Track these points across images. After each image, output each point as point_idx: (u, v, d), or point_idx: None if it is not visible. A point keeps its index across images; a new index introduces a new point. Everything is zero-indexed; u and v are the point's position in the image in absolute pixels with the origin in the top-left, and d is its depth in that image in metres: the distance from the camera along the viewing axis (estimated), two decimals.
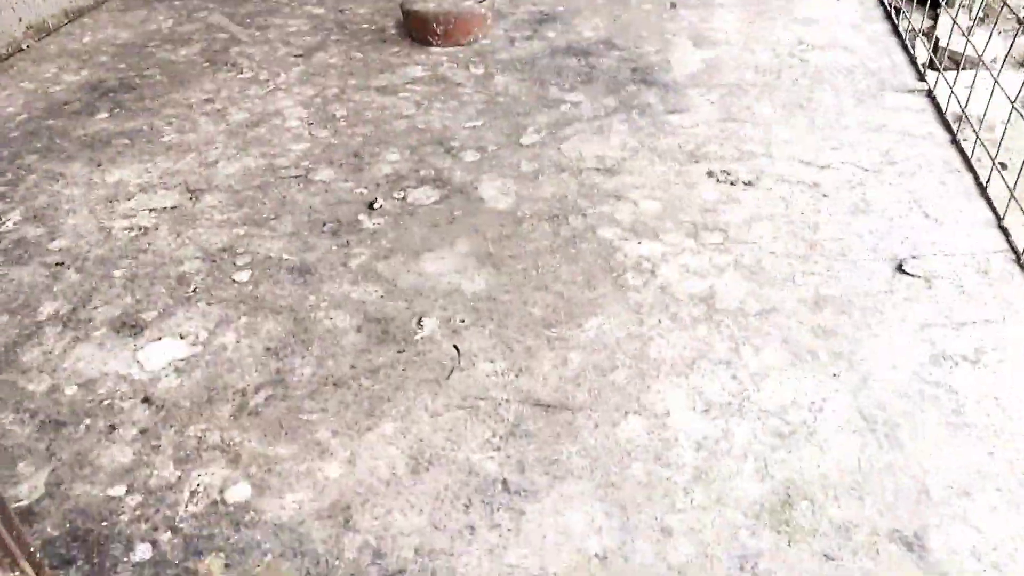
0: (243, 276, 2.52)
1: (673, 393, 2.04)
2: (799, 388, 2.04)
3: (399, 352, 2.20)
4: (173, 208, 2.87)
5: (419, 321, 2.32)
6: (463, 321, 2.31)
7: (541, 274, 2.49)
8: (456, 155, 3.14)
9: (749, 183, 2.90)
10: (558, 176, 2.99)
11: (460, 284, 2.45)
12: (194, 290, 2.47)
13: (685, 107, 3.41)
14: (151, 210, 2.86)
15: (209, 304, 2.41)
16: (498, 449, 1.90)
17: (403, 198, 2.89)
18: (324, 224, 2.75)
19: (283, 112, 3.50)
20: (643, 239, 2.63)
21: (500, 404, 2.02)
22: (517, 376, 2.11)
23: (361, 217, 2.79)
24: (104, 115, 3.51)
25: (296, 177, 3.03)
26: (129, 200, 2.92)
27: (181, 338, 2.29)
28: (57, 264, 2.60)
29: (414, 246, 2.63)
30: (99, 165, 3.14)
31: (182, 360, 2.21)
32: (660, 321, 2.28)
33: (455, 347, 2.21)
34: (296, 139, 3.29)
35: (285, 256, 2.60)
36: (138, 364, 2.20)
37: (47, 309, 2.42)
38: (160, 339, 2.29)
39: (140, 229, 2.76)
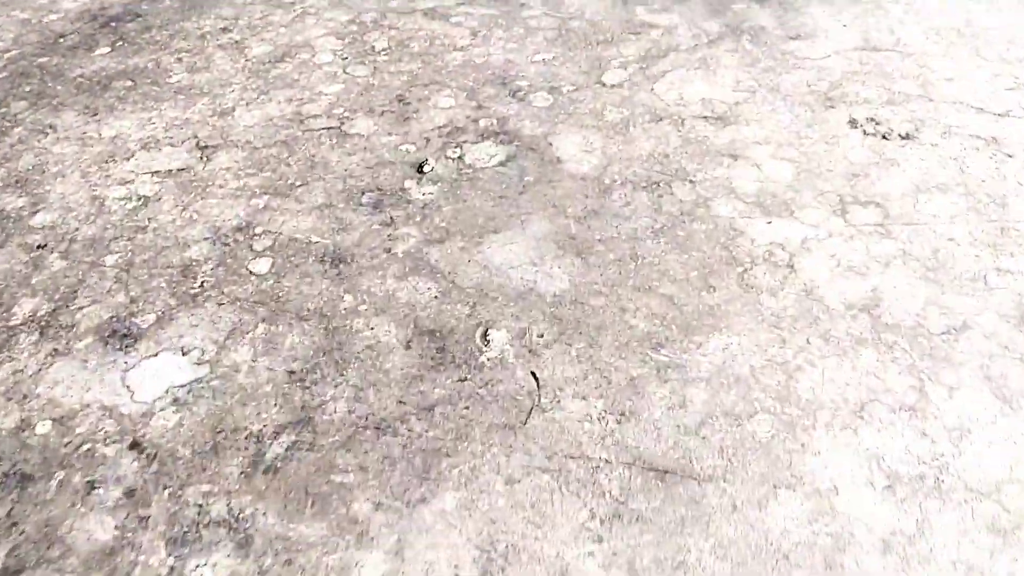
0: (262, 266, 1.99)
1: (839, 457, 1.47)
2: (1019, 454, 1.45)
3: (460, 381, 1.67)
4: (180, 171, 2.34)
5: (485, 334, 1.77)
6: (542, 336, 1.76)
7: (641, 267, 1.90)
8: (524, 99, 2.51)
9: (907, 136, 2.22)
10: (654, 127, 2.36)
11: (536, 281, 1.89)
12: (201, 285, 1.96)
13: (810, 31, 2.70)
14: (153, 173, 2.33)
15: (220, 304, 1.90)
16: (599, 540, 1.38)
17: (459, 158, 2.30)
18: (362, 194, 2.20)
19: (312, 44, 2.89)
20: (773, 217, 2.01)
21: (598, 467, 1.49)
22: (619, 422, 1.57)
23: (408, 184, 2.22)
24: (105, 50, 2.96)
25: (328, 129, 2.45)
26: (128, 160, 2.39)
27: (183, 354, 1.80)
28: (39, 247, 2.11)
29: (476, 225, 2.06)
30: (95, 115, 2.60)
31: (183, 387, 1.71)
32: (808, 341, 1.70)
33: (533, 375, 1.67)
34: (328, 79, 2.69)
35: (314, 238, 2.06)
36: (128, 391, 1.72)
37: (24, 308, 1.94)
38: (157, 355, 1.80)
39: (139, 199, 2.24)
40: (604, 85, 2.55)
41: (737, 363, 1.66)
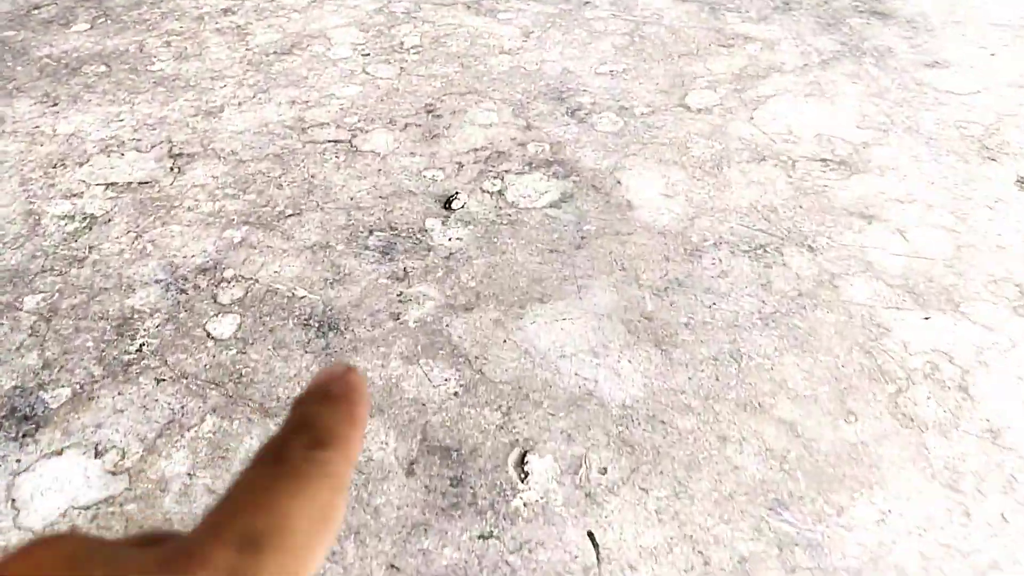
0: (225, 327, 1.47)
1: None
2: None
3: (482, 538, 1.13)
4: (142, 185, 1.82)
5: (522, 460, 1.23)
6: (605, 472, 1.21)
7: (747, 372, 1.35)
8: (584, 119, 1.98)
9: None
10: (756, 169, 1.81)
11: (597, 381, 1.35)
12: (140, 349, 1.43)
13: (949, 58, 2.13)
14: (109, 186, 1.82)
15: (159, 381, 1.38)
16: None
17: (500, 192, 1.77)
18: (370, 233, 1.67)
19: (328, 34, 2.38)
20: (931, 310, 1.45)
21: None
22: None
23: (431, 224, 1.69)
24: (83, 26, 2.46)
25: (335, 143, 1.93)
26: (81, 166, 1.89)
27: (96, 454, 1.27)
28: None
29: (516, 289, 1.52)
30: (54, 105, 2.10)
31: (86, 509, 1.19)
32: (1004, 517, 1.13)
33: (591, 537, 1.13)
34: (344, 78, 2.17)
35: (300, 291, 1.53)
36: (11, 506, 1.20)
37: None
38: (62, 452, 1.28)
39: (84, 220, 1.73)
40: (688, 109, 2.00)
41: (900, 548, 1.10)
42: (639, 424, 1.28)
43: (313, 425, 0.21)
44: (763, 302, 1.49)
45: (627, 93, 2.06)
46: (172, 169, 1.87)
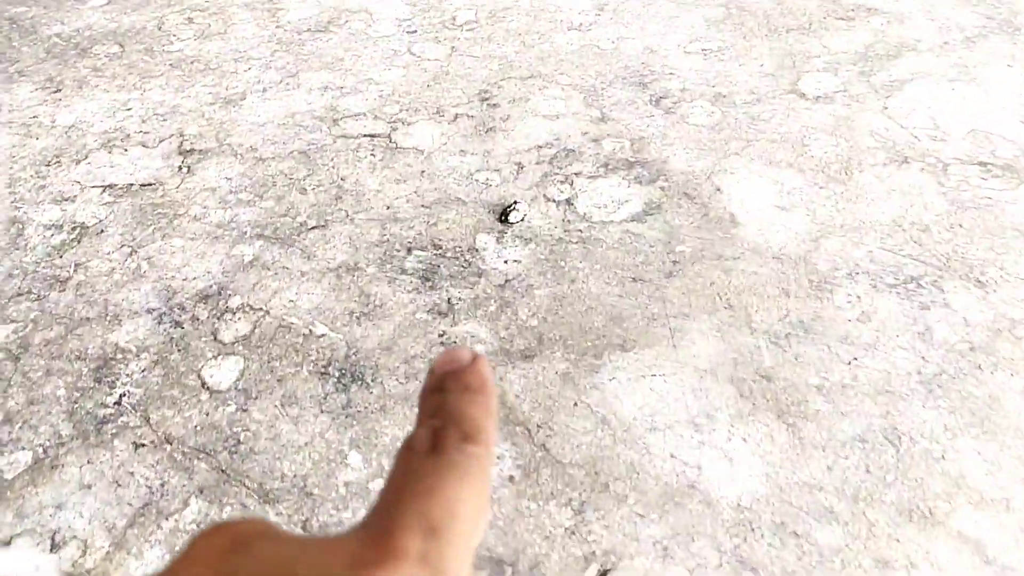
0: (225, 373, 1.17)
1: None
2: None
3: None
4: (144, 188, 1.54)
5: None
6: None
7: (907, 461, 0.99)
8: (673, 110, 1.62)
9: None
10: (896, 174, 1.42)
11: (701, 466, 1.00)
12: (119, 402, 1.15)
13: None
14: (106, 188, 1.55)
15: (138, 447, 1.09)
16: None
17: (568, 202, 1.42)
18: (408, 251, 1.35)
19: (371, 9, 2.06)
20: None
21: None
22: None
23: (483, 241, 1.36)
24: (99, 1, 2.20)
25: (372, 138, 1.62)
26: (78, 164, 1.62)
27: (52, 546, 0.99)
28: None
29: (591, 330, 1.19)
30: (57, 91, 1.84)
31: None
32: None
33: None
34: (384, 60, 1.85)
35: (319, 327, 1.22)
36: None
37: None
38: (10, 542, 1.00)
39: (73, 230, 1.46)
40: (803, 96, 1.62)
41: None
42: (762, 535, 0.94)
43: (463, 418, 0.22)
44: (923, 358, 1.12)
45: (724, 77, 1.69)
46: (180, 168, 1.58)
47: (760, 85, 1.67)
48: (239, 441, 1.09)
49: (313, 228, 1.42)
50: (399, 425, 1.09)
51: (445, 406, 0.22)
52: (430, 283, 1.30)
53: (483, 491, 0.20)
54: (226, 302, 1.29)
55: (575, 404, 1.10)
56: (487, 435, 0.21)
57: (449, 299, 1.27)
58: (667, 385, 1.11)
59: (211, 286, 1.32)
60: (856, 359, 1.13)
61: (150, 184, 1.55)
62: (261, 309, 1.27)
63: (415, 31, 1.97)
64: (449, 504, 0.19)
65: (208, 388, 1.16)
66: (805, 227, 1.34)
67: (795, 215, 1.36)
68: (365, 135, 1.64)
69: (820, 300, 1.21)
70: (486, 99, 1.71)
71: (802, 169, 1.45)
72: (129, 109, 1.77)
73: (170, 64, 1.92)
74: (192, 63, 1.92)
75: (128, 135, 1.69)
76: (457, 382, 0.23)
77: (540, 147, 1.56)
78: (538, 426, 1.07)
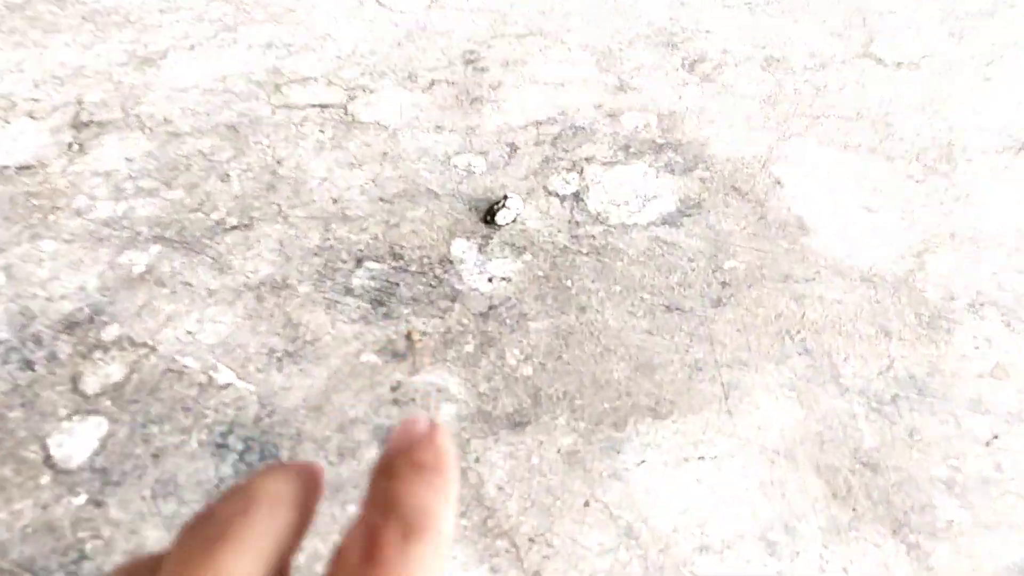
0: (83, 440, 0.81)
1: None
2: None
3: None
4: (21, 171, 1.17)
5: None
6: None
7: None
8: (711, 76, 1.25)
9: None
10: (1016, 162, 1.05)
11: None
12: None
13: None
14: None
15: None
16: None
17: (575, 196, 1.06)
18: (358, 261, 0.98)
19: None
20: None
21: None
22: None
23: (459, 250, 0.99)
24: None
25: (322, 108, 1.25)
26: None
27: None
28: None
29: (607, 384, 0.82)
30: None
31: None
32: None
33: None
34: (348, 10, 1.49)
35: (221, 374, 0.86)
36: None
37: None
38: None
39: None
40: (880, 62, 1.25)
41: None
42: None
43: (404, 506, 0.18)
44: None
45: (777, 36, 1.32)
46: (71, 146, 1.21)
47: (823, 47, 1.30)
48: (83, 555, 0.73)
49: (232, 228, 1.05)
50: (326, 533, 0.73)
51: (388, 494, 0.17)
52: (384, 309, 0.93)
53: None
54: (98, 333, 0.92)
55: (586, 503, 0.74)
56: (437, 526, 0.17)
57: (409, 333, 0.90)
58: (722, 474, 0.75)
59: (82, 309, 0.95)
60: (997, 437, 0.77)
61: (28, 167, 1.18)
62: (145, 344, 0.91)
63: None
64: None
65: (53, 466, 0.80)
66: (902, 236, 0.97)
67: (886, 219, 1.00)
68: (314, 105, 1.26)
69: (935, 344, 0.85)
70: (471, 61, 1.33)
71: (890, 156, 1.09)
72: (22, 71, 1.40)
73: (82, 16, 1.54)
74: (109, 15, 1.54)
75: (14, 103, 1.32)
76: (405, 461, 0.18)
77: (540, 123, 1.19)
78: (530, 539, 0.71)
